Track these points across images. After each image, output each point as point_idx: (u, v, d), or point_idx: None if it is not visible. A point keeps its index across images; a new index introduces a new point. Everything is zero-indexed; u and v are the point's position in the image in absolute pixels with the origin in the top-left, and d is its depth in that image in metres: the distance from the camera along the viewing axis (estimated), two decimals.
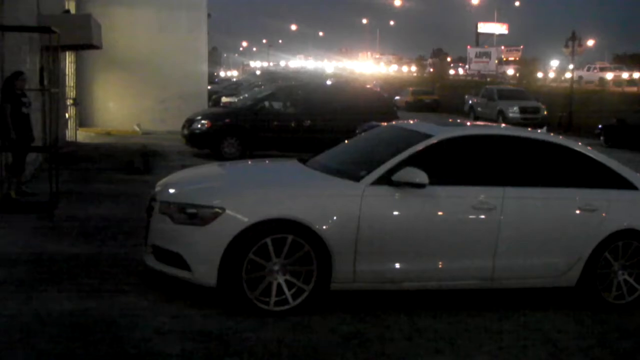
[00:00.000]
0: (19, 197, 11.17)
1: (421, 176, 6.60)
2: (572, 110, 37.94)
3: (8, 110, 10.82)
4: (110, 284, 7.08)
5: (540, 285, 7.29)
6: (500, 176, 7.05)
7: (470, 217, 6.86)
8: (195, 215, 6.41)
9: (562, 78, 53.93)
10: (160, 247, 6.65)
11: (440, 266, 6.82)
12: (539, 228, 7.05)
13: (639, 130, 26.09)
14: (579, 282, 7.20)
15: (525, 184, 7.14)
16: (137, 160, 15.84)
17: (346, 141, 8.54)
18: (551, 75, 60.89)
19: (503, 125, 8.52)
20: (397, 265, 6.72)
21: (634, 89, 44.37)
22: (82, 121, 24.32)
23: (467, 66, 76.49)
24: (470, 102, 42.42)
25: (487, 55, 75.20)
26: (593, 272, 7.17)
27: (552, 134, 8.00)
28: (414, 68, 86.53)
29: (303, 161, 7.79)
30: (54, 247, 8.33)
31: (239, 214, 6.36)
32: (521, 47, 78.91)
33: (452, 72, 77.79)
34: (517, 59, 73.20)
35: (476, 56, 77.10)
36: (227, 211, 6.34)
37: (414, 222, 6.74)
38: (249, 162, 9.16)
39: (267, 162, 8.73)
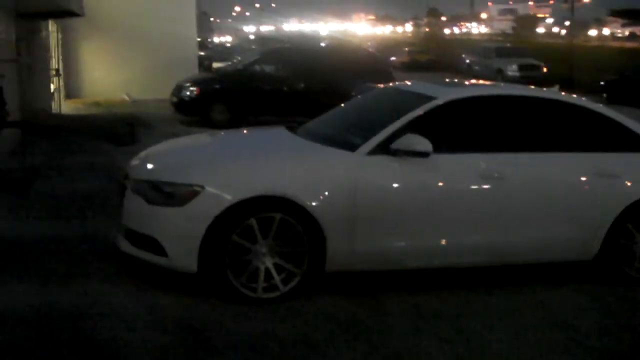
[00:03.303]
0: None
1: (424, 144, 5.90)
2: (572, 66, 37.11)
3: None
4: (82, 271, 6.37)
5: (555, 260, 6.63)
6: (510, 141, 6.36)
7: (478, 187, 6.17)
8: (171, 195, 5.71)
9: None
10: (134, 231, 5.96)
11: (445, 242, 6.15)
12: (553, 197, 6.37)
13: None
14: (598, 256, 6.53)
15: (538, 149, 6.44)
16: (123, 131, 15.14)
17: (340, 105, 7.77)
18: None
19: (511, 84, 7.68)
20: (399, 243, 6.05)
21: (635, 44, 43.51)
22: (70, 92, 23.55)
23: (480, 26, 74.14)
24: (467, 60, 41.60)
25: (513, 12, 72.40)
26: (613, 245, 6.49)
27: (565, 93, 7.25)
28: (409, 28, 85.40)
29: (292, 129, 7.06)
30: (23, 229, 7.61)
31: (220, 192, 5.67)
32: (550, 1, 75.65)
33: (447, 31, 76.61)
34: (549, 15, 70.71)
35: (499, 13, 74.28)
36: (207, 189, 5.65)
37: (416, 194, 6.04)
38: (232, 133, 8.33)
39: (252, 131, 7.96)
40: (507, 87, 7.69)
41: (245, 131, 8.00)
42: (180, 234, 5.68)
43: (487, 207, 6.18)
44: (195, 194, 5.63)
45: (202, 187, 5.64)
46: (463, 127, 6.45)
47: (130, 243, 6.01)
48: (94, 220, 7.89)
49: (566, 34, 49.26)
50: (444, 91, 6.63)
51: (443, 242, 6.14)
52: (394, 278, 6.36)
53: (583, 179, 6.47)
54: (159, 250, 5.74)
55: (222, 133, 8.17)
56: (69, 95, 23.26)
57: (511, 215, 6.23)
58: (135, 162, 6.55)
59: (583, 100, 7.00)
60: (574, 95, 7.26)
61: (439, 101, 6.34)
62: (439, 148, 6.00)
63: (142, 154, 6.78)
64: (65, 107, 20.93)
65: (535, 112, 6.63)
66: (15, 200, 8.92)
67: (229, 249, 5.62)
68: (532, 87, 7.51)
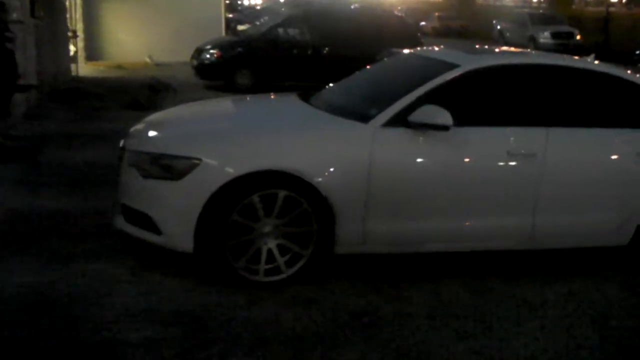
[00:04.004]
0: (4, 142, 10.04)
1: (444, 116, 5.35)
2: (608, 34, 35.99)
3: None
4: (83, 249, 5.95)
5: (588, 245, 6.06)
6: (541, 115, 5.78)
7: (505, 165, 5.62)
8: (166, 167, 5.23)
9: None
10: (128, 207, 5.50)
11: (468, 224, 5.63)
12: (588, 178, 5.79)
13: None
14: (633, 240, 5.97)
15: (573, 124, 5.84)
16: (142, 96, 14.71)
17: (359, 72, 7.20)
18: None
19: (542, 52, 6.99)
20: (416, 224, 5.53)
21: None
22: (91, 55, 23.09)
23: None
24: (498, 27, 40.58)
25: None
26: None
27: (603, 63, 6.62)
28: None
29: (304, 97, 6.52)
30: (26, 203, 7.17)
31: (219, 165, 5.18)
32: None
33: None
34: None
35: None
36: (205, 162, 5.16)
37: (436, 171, 5.51)
38: (240, 101, 7.74)
39: (261, 99, 7.39)
40: (537, 56, 7.01)
41: (254, 99, 7.45)
42: (175, 210, 5.21)
43: (514, 186, 5.64)
44: (192, 167, 5.15)
45: (200, 160, 5.15)
46: (488, 99, 5.87)
47: (125, 219, 5.56)
48: (100, 194, 7.40)
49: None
50: (468, 59, 6.06)
51: (465, 223, 5.62)
52: (413, 262, 5.87)
53: (622, 157, 5.90)
54: (153, 227, 5.28)
55: (228, 101, 7.65)
56: (90, 58, 22.84)
57: (541, 196, 5.67)
58: (132, 131, 6.07)
59: (622, 72, 6.35)
60: (612, 66, 6.62)
61: (462, 70, 5.77)
62: (462, 121, 5.46)
63: (141, 123, 6.30)
64: (85, 70, 20.53)
65: (568, 84, 6.02)
66: (22, 170, 8.51)
67: (228, 228, 5.15)
68: (566, 55, 6.87)
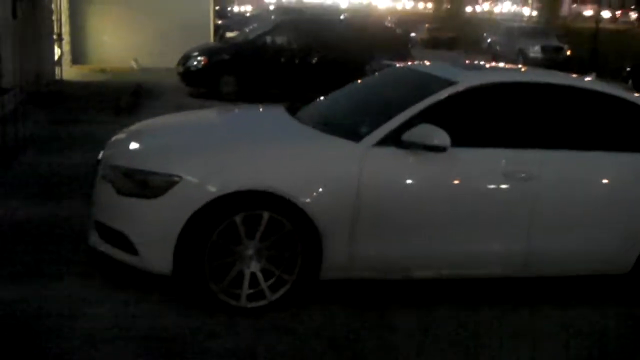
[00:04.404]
0: None
1: (440, 136, 5.06)
2: (596, 50, 35.85)
3: None
4: (50, 264, 5.62)
5: (585, 273, 5.76)
6: (540, 137, 5.49)
7: (501, 188, 5.32)
8: (143, 184, 4.91)
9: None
10: (103, 224, 5.18)
11: (460, 250, 5.32)
12: (587, 203, 5.51)
13: None
14: (635, 268, 5.69)
15: (573, 146, 5.56)
16: (125, 100, 14.37)
17: (349, 85, 6.90)
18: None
19: (544, 70, 6.65)
20: (406, 249, 5.23)
21: None
22: (77, 58, 22.69)
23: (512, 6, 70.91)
24: (489, 40, 40.43)
25: None
26: None
27: (607, 84, 6.33)
28: (430, 5, 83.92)
29: (291, 110, 6.22)
30: None
31: (200, 184, 4.87)
32: None
33: (469, 9, 74.99)
34: None
35: None
36: (185, 179, 4.84)
37: (429, 194, 5.21)
38: (224, 113, 7.36)
39: (246, 111, 7.06)
40: (539, 74, 6.70)
41: (239, 111, 7.11)
42: (153, 230, 4.90)
43: (510, 211, 5.35)
44: (170, 184, 4.83)
45: (180, 177, 4.84)
46: (486, 118, 5.58)
47: (100, 237, 5.23)
48: (73, 202, 7.03)
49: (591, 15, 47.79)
50: (466, 75, 5.78)
51: (456, 249, 5.31)
52: (400, 287, 5.57)
53: (623, 182, 5.62)
54: (129, 247, 4.96)
55: (212, 113, 7.28)
56: (75, 61, 22.44)
57: (537, 222, 5.39)
58: (110, 142, 5.75)
59: (626, 93, 6.06)
60: (616, 86, 6.34)
61: (460, 87, 5.48)
62: (458, 141, 5.16)
63: (120, 133, 5.98)
64: (70, 73, 20.12)
65: (571, 104, 5.74)
66: None
67: (208, 250, 4.83)
68: (568, 75, 6.56)
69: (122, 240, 4.98)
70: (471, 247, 5.33)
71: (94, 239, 5.29)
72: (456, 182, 5.25)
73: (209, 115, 6.92)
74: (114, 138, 5.87)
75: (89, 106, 14.21)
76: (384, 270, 5.29)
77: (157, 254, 4.88)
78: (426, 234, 5.23)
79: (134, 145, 5.54)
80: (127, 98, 15.01)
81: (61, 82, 18.11)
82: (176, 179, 4.83)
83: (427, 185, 5.19)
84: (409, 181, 5.17)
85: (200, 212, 4.79)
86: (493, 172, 5.30)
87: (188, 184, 4.84)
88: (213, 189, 4.82)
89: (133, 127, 6.17)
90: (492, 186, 5.32)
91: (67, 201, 7.19)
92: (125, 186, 4.98)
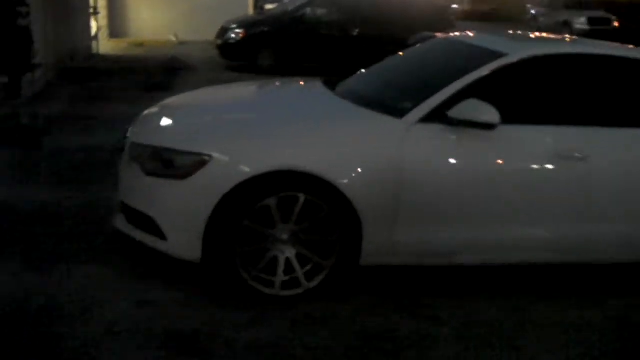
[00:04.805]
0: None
1: (489, 112, 4.68)
2: None
3: None
4: (72, 249, 5.35)
5: None
6: (598, 113, 5.09)
7: (554, 169, 4.92)
8: (171, 164, 4.61)
9: None
10: (129, 206, 4.90)
11: (508, 234, 4.94)
12: None
13: None
14: None
15: (632, 124, 5.15)
16: (160, 76, 14.13)
17: (391, 58, 6.52)
18: None
19: (602, 42, 6.14)
20: (452, 233, 4.87)
21: None
22: (115, 32, 22.55)
23: None
24: (532, 11, 39.46)
25: None
26: None
27: None
28: None
29: (331, 84, 5.87)
30: (15, 193, 6.58)
31: (232, 164, 4.55)
32: None
33: None
34: None
35: None
36: (215, 159, 4.53)
37: (477, 175, 4.83)
38: (259, 87, 6.99)
39: (282, 86, 6.69)
40: (595, 45, 6.20)
41: (274, 85, 6.76)
42: (181, 213, 4.60)
43: (563, 194, 4.95)
44: (200, 164, 4.52)
45: (209, 157, 4.53)
46: (538, 93, 5.18)
47: (126, 220, 4.96)
48: (98, 185, 6.76)
49: None
50: (517, 46, 5.39)
51: (504, 234, 4.94)
52: (438, 274, 5.22)
53: None
54: (157, 231, 4.67)
55: (247, 87, 6.92)
56: (114, 35, 22.30)
57: (593, 205, 5.00)
58: (138, 119, 5.46)
59: None
60: None
61: (510, 59, 5.08)
62: (508, 118, 4.77)
63: (149, 109, 5.68)
64: (107, 47, 19.97)
65: (631, 79, 5.31)
66: (20, 155, 7.94)
67: (240, 235, 4.53)
68: (630, 47, 6.09)
69: (149, 224, 4.70)
70: (520, 232, 4.96)
71: (120, 222, 5.02)
72: (505, 162, 4.86)
73: (243, 91, 6.58)
74: (142, 114, 5.58)
75: (122, 82, 13.97)
76: (427, 256, 4.95)
77: (185, 239, 4.59)
78: (472, 218, 4.87)
79: (162, 123, 5.24)
80: (163, 73, 14.79)
81: (97, 56, 17.94)
82: (206, 158, 4.52)
83: (474, 165, 4.82)
84: (454, 160, 4.80)
85: (231, 194, 4.48)
86: (545, 152, 4.90)
87: (218, 163, 4.53)
88: (246, 169, 4.50)
89: (163, 103, 5.87)
90: (544, 167, 4.91)
91: (91, 184, 6.92)
92: (152, 166, 4.69)
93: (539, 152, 4.90)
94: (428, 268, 5.12)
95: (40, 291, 4.68)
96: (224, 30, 17.22)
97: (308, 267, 4.71)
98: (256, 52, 16.48)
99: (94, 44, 18.55)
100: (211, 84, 8.62)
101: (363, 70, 6.27)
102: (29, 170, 7.40)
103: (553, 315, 4.82)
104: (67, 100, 11.47)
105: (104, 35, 20.94)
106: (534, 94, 5.15)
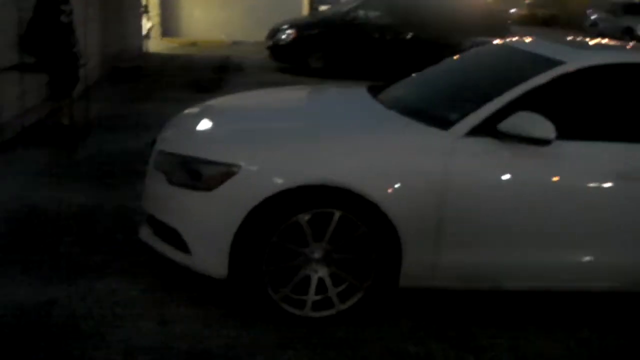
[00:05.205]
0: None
1: (544, 126, 4.28)
2: None
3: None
4: (97, 260, 5.09)
5: None
6: None
7: (615, 190, 4.49)
8: (197, 174, 4.31)
9: None
10: (154, 217, 4.61)
11: (561, 260, 4.53)
12: None
13: None
14: None
15: None
16: (207, 77, 13.91)
17: (440, 64, 6.14)
18: None
19: None
20: (498, 257, 4.47)
21: None
22: (167, 31, 22.50)
23: None
24: (592, 17, 38.48)
25: None
26: None
27: None
28: None
29: (374, 91, 5.52)
30: (46, 196, 6.34)
31: (262, 175, 4.23)
32: None
33: None
34: None
35: None
36: (244, 169, 4.22)
37: (528, 194, 4.42)
38: (297, 93, 6.59)
39: (323, 92, 6.31)
40: None
41: (315, 91, 6.39)
42: (206, 226, 4.29)
43: (624, 217, 4.52)
44: (228, 175, 4.21)
45: (238, 167, 4.21)
46: (599, 106, 4.74)
47: (153, 232, 4.67)
48: (133, 191, 6.47)
49: None
50: (576, 54, 4.97)
51: (556, 259, 4.53)
52: (486, 301, 4.84)
53: None
54: (182, 245, 4.37)
55: (287, 93, 6.55)
56: (165, 34, 22.25)
57: None
58: (167, 125, 5.18)
59: None
60: None
61: (569, 67, 4.67)
62: (564, 133, 4.36)
63: (180, 114, 5.39)
64: (158, 46, 19.89)
65: None
66: (59, 158, 7.73)
67: (269, 252, 4.21)
68: None
69: (174, 237, 4.40)
70: (574, 257, 4.54)
71: (146, 234, 4.73)
72: (560, 181, 4.44)
73: (283, 96, 6.23)
74: (173, 119, 5.30)
75: (170, 82, 13.77)
76: (471, 280, 4.57)
77: (210, 254, 4.29)
78: (522, 240, 4.48)
79: (191, 129, 4.94)
80: (211, 74, 14.57)
81: (146, 55, 17.81)
82: (234, 169, 4.21)
83: (525, 183, 4.41)
84: (504, 178, 4.40)
85: (260, 207, 4.16)
86: (605, 171, 4.48)
87: (247, 174, 4.21)
88: (276, 182, 4.18)
89: (197, 107, 5.58)
90: (603, 187, 4.49)
91: (125, 189, 6.60)
92: (177, 176, 4.39)
93: (598, 172, 4.48)
94: (479, 293, 4.75)
95: (62, 305, 4.42)
96: (275, 31, 16.97)
97: (341, 287, 4.37)
98: (307, 54, 16.18)
99: (145, 42, 18.45)
100: (260, 86, 8.32)
101: (411, 76, 5.89)
102: (65, 173, 7.16)
103: (615, 349, 4.41)
104: (113, 100, 11.30)
105: (156, 34, 20.90)
106: (593, 106, 4.72)
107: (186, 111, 5.45)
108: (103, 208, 6.12)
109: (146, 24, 18.75)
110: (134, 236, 4.94)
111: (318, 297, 4.36)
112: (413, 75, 5.99)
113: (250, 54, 19.01)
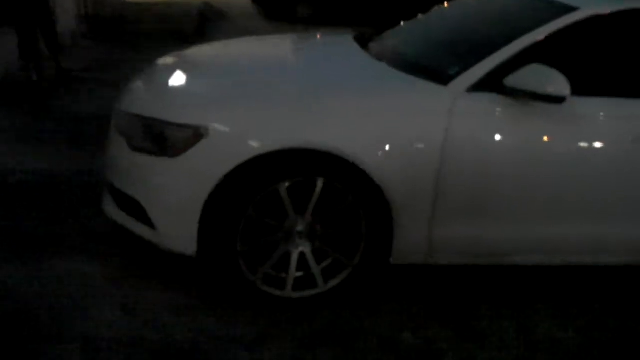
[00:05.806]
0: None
1: (557, 81, 3.73)
2: None
3: None
4: (60, 237, 4.55)
5: None
6: None
7: (632, 153, 3.97)
8: (161, 138, 3.77)
9: None
10: (116, 188, 4.08)
11: (576, 231, 4.04)
12: None
13: None
14: None
15: None
16: (190, 25, 13.30)
17: (435, 10, 5.55)
18: None
19: None
20: (505, 229, 3.97)
21: None
22: None
23: None
24: None
25: None
26: None
27: None
28: None
29: (363, 41, 4.96)
30: (4, 163, 5.78)
31: (234, 139, 3.69)
32: None
33: None
34: None
35: None
36: (213, 132, 3.68)
37: (539, 158, 3.89)
38: (281, 42, 5.87)
39: (307, 41, 5.72)
40: None
41: (298, 41, 5.77)
42: (172, 198, 3.77)
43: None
44: (195, 139, 3.67)
45: (207, 130, 3.67)
46: (618, 58, 4.18)
47: (117, 204, 4.14)
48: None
49: None
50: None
51: (572, 230, 4.03)
52: (486, 277, 4.35)
53: None
54: (146, 219, 3.85)
55: (265, 43, 5.90)
56: None
57: None
58: (135, 79, 4.61)
59: None
60: None
61: (583, 14, 4.09)
62: (579, 89, 3.83)
63: (149, 67, 4.82)
64: None
65: None
66: (27, 119, 7.15)
67: (243, 225, 3.70)
68: None
69: (138, 210, 3.88)
70: (590, 229, 4.04)
71: (109, 206, 4.20)
72: (575, 143, 3.92)
73: (262, 47, 5.60)
74: (141, 72, 4.73)
75: (151, 32, 13.11)
76: (473, 255, 4.07)
77: (177, 229, 3.77)
78: (533, 210, 3.97)
79: (157, 85, 4.37)
80: (193, 21, 13.97)
81: (125, 3, 17.09)
82: (202, 131, 3.67)
83: (536, 146, 3.88)
84: (510, 140, 3.86)
85: (233, 175, 3.63)
86: (626, 132, 3.95)
87: (217, 138, 3.67)
88: (251, 146, 3.64)
89: (170, 57, 5.00)
90: (623, 150, 3.96)
91: (100, 154, 6.07)
92: (140, 140, 3.85)
93: (618, 133, 3.95)
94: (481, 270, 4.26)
95: (12, 289, 3.92)
96: None
97: (325, 264, 3.88)
98: (295, 2, 15.48)
99: None
100: (247, 34, 7.72)
101: (404, 23, 5.32)
102: (31, 136, 6.58)
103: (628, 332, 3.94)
104: (90, 52, 10.69)
105: None
106: (612, 58, 4.16)
107: (158, 61, 4.87)
108: (68, 176, 5.55)
109: None
110: (100, 209, 4.41)
111: (300, 274, 3.88)
112: (406, 22, 5.42)
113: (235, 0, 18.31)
